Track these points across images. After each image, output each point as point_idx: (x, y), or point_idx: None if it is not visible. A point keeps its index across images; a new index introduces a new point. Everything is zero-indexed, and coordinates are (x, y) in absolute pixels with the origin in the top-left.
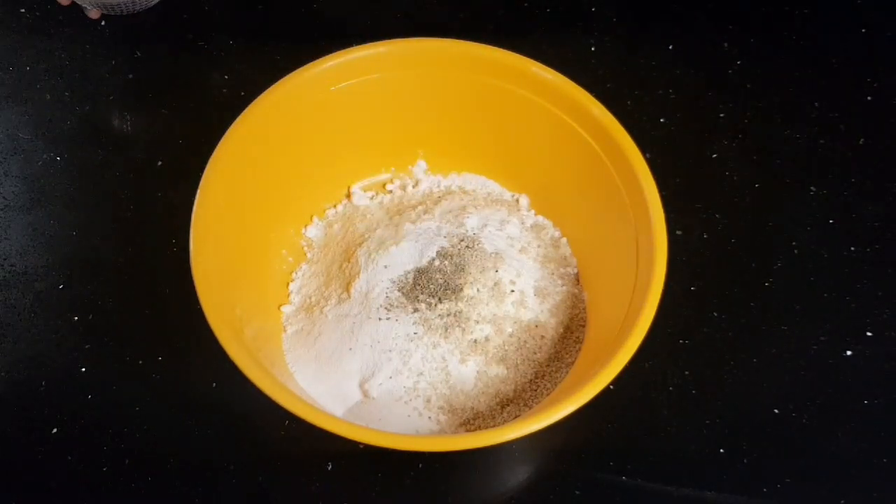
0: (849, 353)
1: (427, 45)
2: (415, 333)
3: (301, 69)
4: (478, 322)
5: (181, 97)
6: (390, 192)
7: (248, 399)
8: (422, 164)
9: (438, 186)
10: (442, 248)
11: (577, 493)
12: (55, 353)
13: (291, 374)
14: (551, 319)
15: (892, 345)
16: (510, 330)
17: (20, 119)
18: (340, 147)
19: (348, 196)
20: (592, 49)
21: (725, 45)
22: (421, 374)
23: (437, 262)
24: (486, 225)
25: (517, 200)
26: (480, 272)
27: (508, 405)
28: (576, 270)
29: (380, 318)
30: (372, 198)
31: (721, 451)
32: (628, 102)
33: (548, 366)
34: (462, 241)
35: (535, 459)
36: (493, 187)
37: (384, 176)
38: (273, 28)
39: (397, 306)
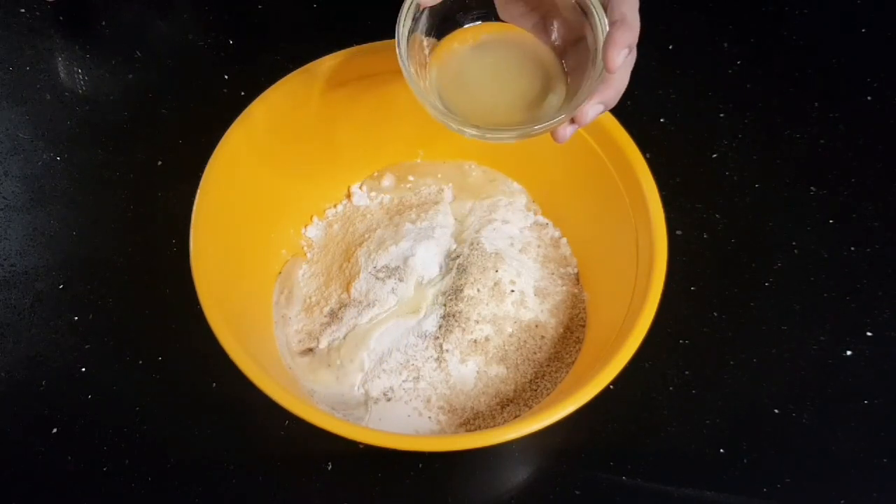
0: (849, 353)
1: None
2: (415, 334)
3: (301, 69)
4: (478, 322)
5: (181, 97)
6: (390, 192)
7: (248, 399)
8: None
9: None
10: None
11: (577, 493)
12: (55, 353)
13: (291, 374)
14: (551, 319)
15: (892, 345)
16: (510, 330)
17: (20, 119)
18: (340, 147)
19: (348, 196)
20: None
21: (725, 45)
22: (421, 374)
23: None
24: (486, 225)
25: (517, 200)
26: (480, 272)
27: (508, 405)
28: (576, 270)
29: (380, 318)
30: (372, 198)
31: (721, 451)
32: (628, 102)
33: (548, 366)
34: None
35: (535, 459)
36: None
37: (386, 176)
38: (273, 28)
39: None
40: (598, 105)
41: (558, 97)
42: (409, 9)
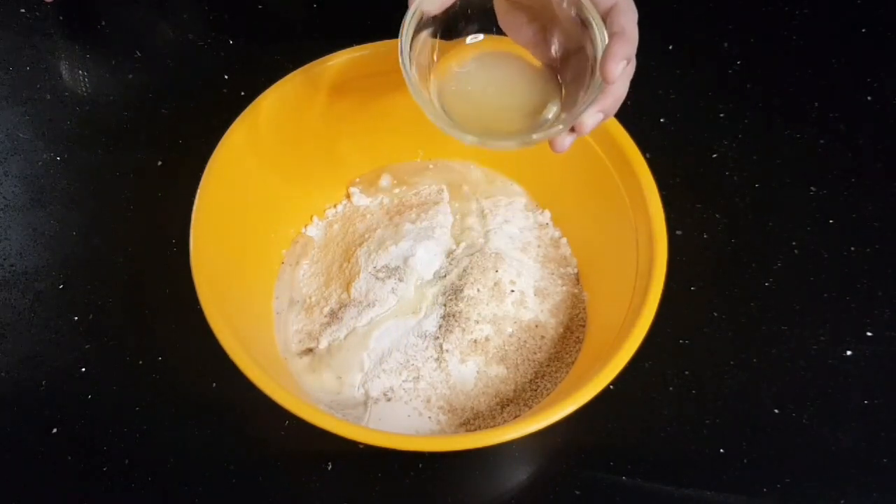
0: (849, 353)
1: None
2: (415, 334)
3: (301, 69)
4: (478, 322)
5: (181, 97)
6: (390, 192)
7: (248, 399)
8: None
9: None
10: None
11: (577, 493)
12: (55, 353)
13: (291, 374)
14: (551, 319)
15: (892, 345)
16: (510, 330)
17: (20, 119)
18: (340, 147)
19: (348, 196)
20: None
21: (725, 45)
22: (421, 373)
23: None
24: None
25: (517, 200)
26: (481, 272)
27: (508, 405)
28: (576, 270)
29: (380, 318)
30: (372, 198)
31: (721, 451)
32: (628, 102)
33: (548, 366)
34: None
35: (535, 459)
36: None
37: (384, 176)
38: (273, 28)
39: None
40: (597, 114)
41: (556, 108)
42: (412, 16)
